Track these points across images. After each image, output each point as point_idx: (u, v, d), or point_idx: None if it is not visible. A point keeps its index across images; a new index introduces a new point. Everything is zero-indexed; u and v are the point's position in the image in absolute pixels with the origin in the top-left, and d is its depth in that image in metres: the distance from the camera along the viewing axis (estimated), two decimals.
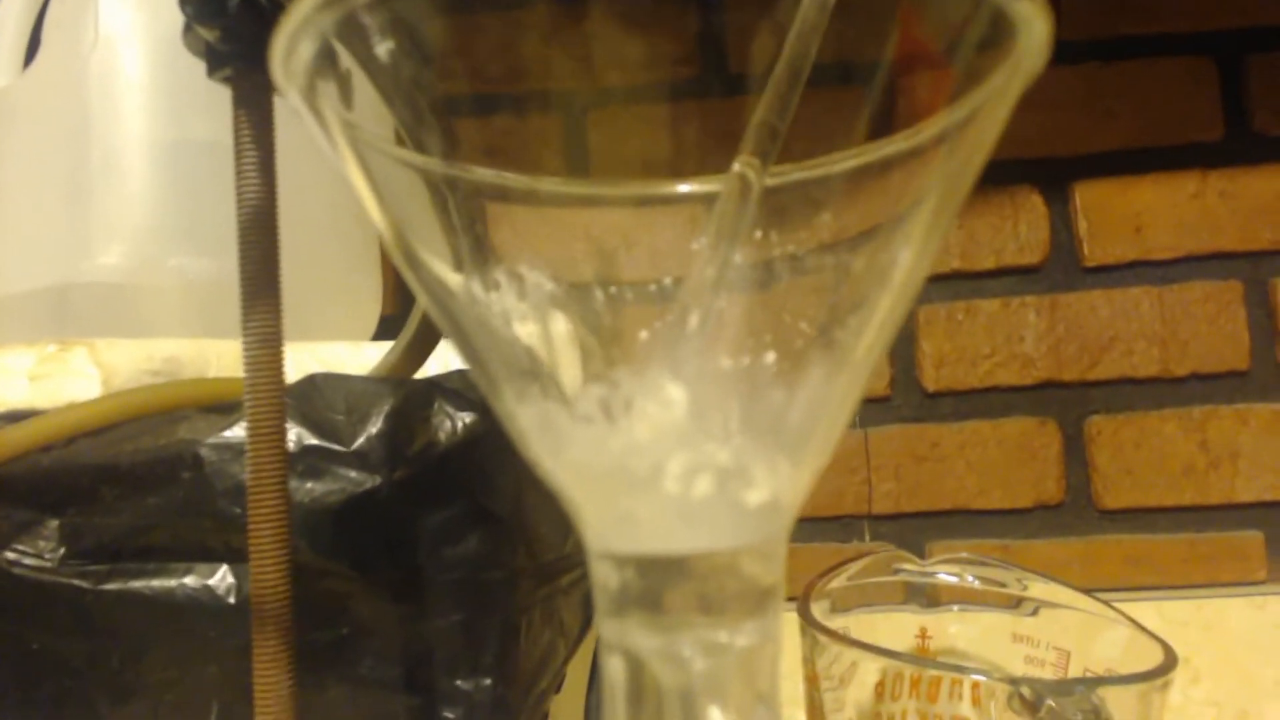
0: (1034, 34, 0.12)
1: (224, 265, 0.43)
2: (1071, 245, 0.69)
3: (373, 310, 0.54)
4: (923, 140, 0.15)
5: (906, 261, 0.14)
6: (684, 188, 0.19)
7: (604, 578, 0.14)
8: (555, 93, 0.21)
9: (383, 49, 0.14)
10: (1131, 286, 0.68)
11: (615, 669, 0.14)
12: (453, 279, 0.15)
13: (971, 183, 0.14)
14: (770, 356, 0.15)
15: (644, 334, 0.17)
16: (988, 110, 0.14)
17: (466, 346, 0.15)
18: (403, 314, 0.36)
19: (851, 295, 0.14)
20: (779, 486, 0.13)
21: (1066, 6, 0.69)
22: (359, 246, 0.53)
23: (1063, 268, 0.69)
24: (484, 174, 0.18)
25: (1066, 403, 0.68)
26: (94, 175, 0.43)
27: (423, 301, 0.16)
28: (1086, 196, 0.69)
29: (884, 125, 0.16)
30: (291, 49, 0.13)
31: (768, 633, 0.14)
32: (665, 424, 0.13)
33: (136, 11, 0.45)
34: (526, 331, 0.16)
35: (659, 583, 0.13)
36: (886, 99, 0.16)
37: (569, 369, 0.15)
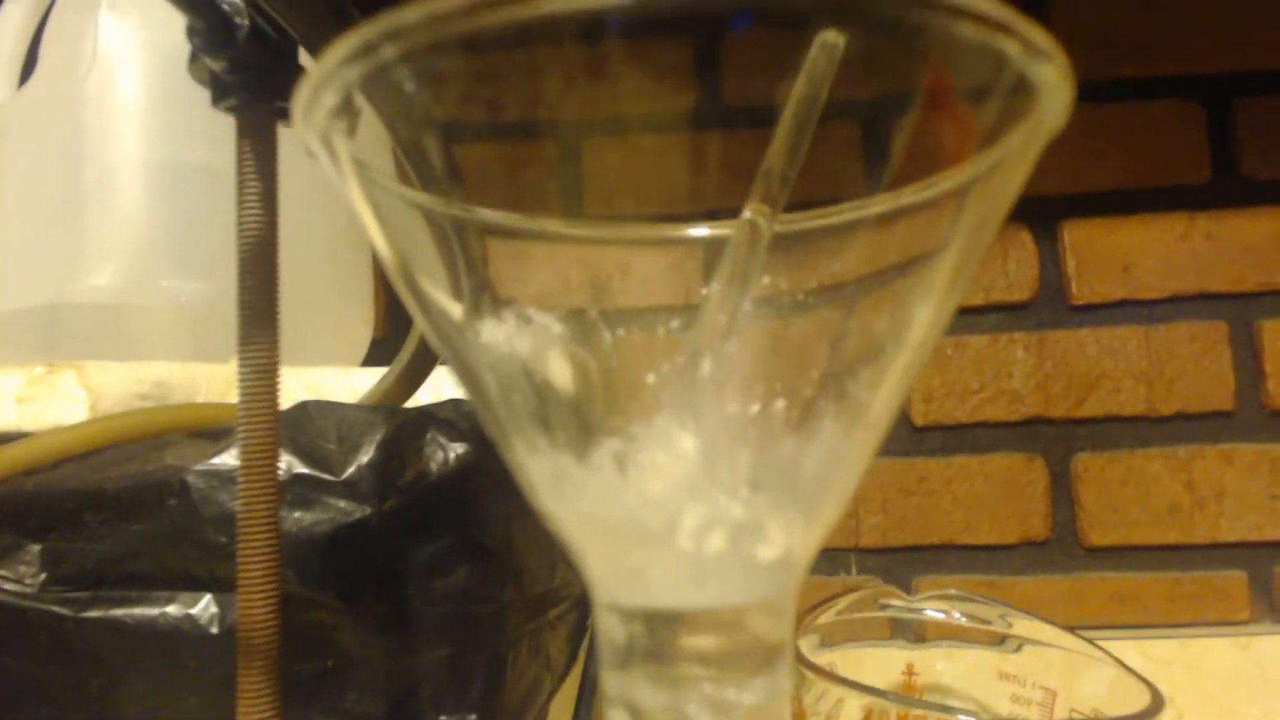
0: (1057, 98, 0.12)
1: (216, 288, 0.43)
2: (1060, 283, 0.69)
3: (364, 335, 0.53)
4: (939, 192, 0.15)
5: (923, 318, 0.14)
6: (694, 232, 0.19)
7: (610, 630, 0.13)
8: (554, 121, 0.21)
9: (405, 92, 0.13)
10: (1119, 325, 0.69)
11: None
12: (459, 317, 0.15)
13: (990, 239, 0.14)
14: (782, 407, 0.14)
15: (651, 377, 0.16)
16: (1006, 167, 0.14)
17: (478, 392, 0.14)
18: (393, 338, 0.36)
19: (865, 349, 0.14)
20: (792, 543, 0.13)
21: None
22: (350, 271, 0.52)
23: (1051, 305, 0.69)
24: (490, 215, 0.18)
25: (1053, 439, 0.68)
26: (87, 195, 0.43)
27: (434, 343, 0.15)
28: (1075, 235, 0.69)
29: (902, 178, 0.16)
30: (315, 99, 0.13)
31: (775, 690, 0.13)
32: (678, 477, 0.12)
33: (136, 32, 0.45)
34: (534, 372, 0.16)
35: (666, 637, 0.13)
36: (905, 151, 0.16)
37: (581, 421, 0.15)
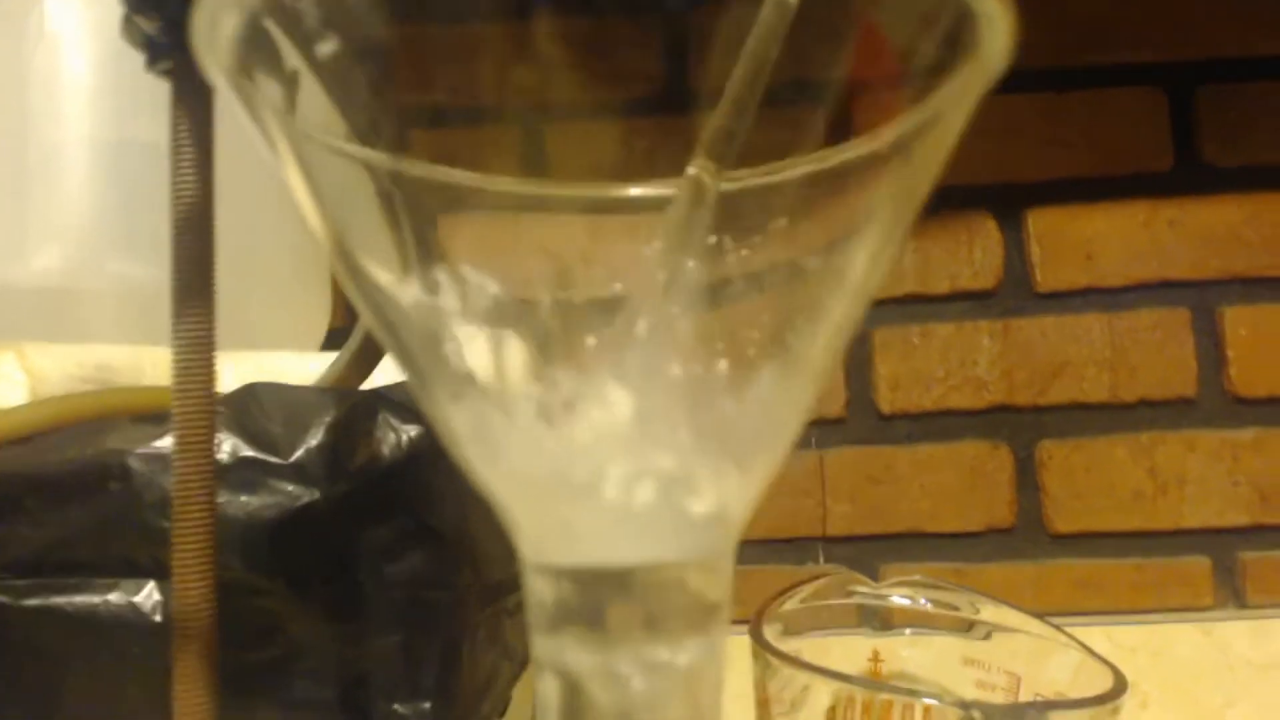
0: (998, 32, 0.12)
1: (164, 271, 0.41)
2: (1024, 271, 0.70)
3: (320, 321, 0.52)
4: (881, 145, 0.15)
5: (861, 268, 0.13)
6: (637, 191, 0.18)
7: (539, 591, 0.13)
8: (511, 106, 0.21)
9: (324, 44, 0.13)
10: (1082, 313, 0.69)
11: (549, 689, 0.13)
12: (389, 278, 0.15)
13: (929, 189, 0.14)
14: (723, 364, 0.14)
15: (591, 340, 0.16)
16: (947, 114, 0.13)
17: (402, 350, 0.14)
18: (352, 326, 0.35)
19: (804, 301, 0.14)
20: (726, 496, 0.13)
21: (1023, 36, 0.70)
22: (308, 257, 0.51)
23: (1015, 293, 0.69)
24: (432, 171, 0.17)
25: (1018, 427, 0.68)
26: (32, 175, 0.42)
27: (357, 304, 0.15)
28: (1040, 223, 0.70)
29: (841, 134, 0.16)
30: (214, 22, 0.12)
31: (712, 651, 0.13)
32: (606, 428, 0.12)
33: (83, 10, 0.44)
34: (468, 335, 0.15)
35: (598, 597, 0.13)
36: (844, 107, 0.16)
37: (510, 374, 0.14)
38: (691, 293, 0.16)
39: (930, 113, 0.13)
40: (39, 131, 0.42)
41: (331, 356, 0.38)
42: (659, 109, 0.21)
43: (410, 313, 0.14)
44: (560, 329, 0.17)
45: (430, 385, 0.13)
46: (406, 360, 0.14)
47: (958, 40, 0.12)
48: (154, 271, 0.42)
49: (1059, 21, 0.70)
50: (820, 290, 0.14)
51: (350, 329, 0.37)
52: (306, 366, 0.40)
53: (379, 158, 0.17)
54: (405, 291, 0.14)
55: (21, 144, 0.42)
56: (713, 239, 0.17)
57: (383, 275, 0.15)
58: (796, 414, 0.14)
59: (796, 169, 0.16)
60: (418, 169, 0.17)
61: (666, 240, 0.17)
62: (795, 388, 0.13)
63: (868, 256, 0.14)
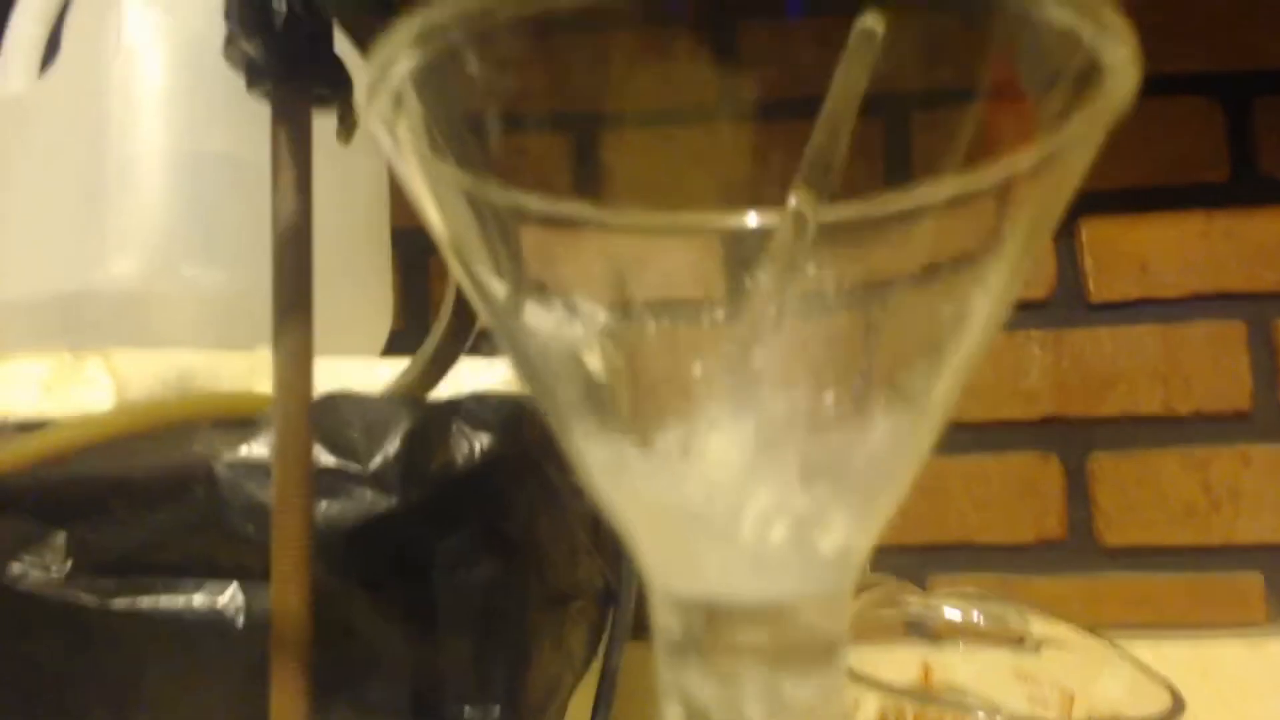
0: (1125, 80, 0.12)
1: (238, 277, 0.42)
2: (1078, 281, 0.69)
3: (382, 326, 0.53)
4: (991, 183, 0.15)
5: (982, 309, 0.14)
6: (749, 222, 0.19)
7: (666, 622, 0.13)
8: (569, 113, 0.21)
9: (468, 71, 0.13)
10: (1136, 324, 0.68)
11: (673, 716, 0.13)
12: (504, 302, 0.15)
13: (1051, 229, 0.14)
14: (829, 397, 0.14)
15: (698, 369, 0.16)
16: (1068, 155, 0.14)
17: (532, 377, 0.14)
18: (411, 330, 0.36)
19: (923, 340, 0.14)
20: (852, 534, 0.13)
21: None
22: (369, 261, 0.52)
23: (1068, 303, 0.69)
24: (541, 203, 0.18)
25: (1070, 438, 0.68)
26: (110, 183, 0.43)
27: (493, 331, 0.15)
28: (1093, 233, 0.69)
29: (965, 160, 0.16)
30: (379, 83, 0.12)
31: (832, 686, 0.13)
32: (742, 467, 0.12)
33: (161, 20, 0.45)
34: (586, 362, 0.16)
35: (723, 629, 0.13)
36: (969, 136, 0.16)
37: (643, 409, 0.15)
38: (802, 325, 0.16)
39: (1051, 152, 0.14)
40: (117, 141, 0.43)
41: (396, 361, 0.39)
42: (706, 117, 0.21)
43: (533, 341, 0.14)
44: (664, 361, 0.17)
45: (564, 419, 0.14)
46: (541, 393, 0.14)
47: (1084, 86, 0.13)
48: (228, 278, 0.43)
49: None
50: (940, 330, 0.14)
51: (410, 332, 0.38)
52: (374, 372, 0.41)
53: (492, 191, 0.18)
54: (531, 319, 0.15)
55: (100, 153, 0.43)
56: (814, 270, 0.17)
57: (508, 300, 0.15)
58: (916, 454, 0.14)
59: (897, 204, 0.17)
60: (521, 199, 0.18)
61: (769, 274, 0.17)
62: (914, 428, 0.14)
63: (987, 297, 0.14)
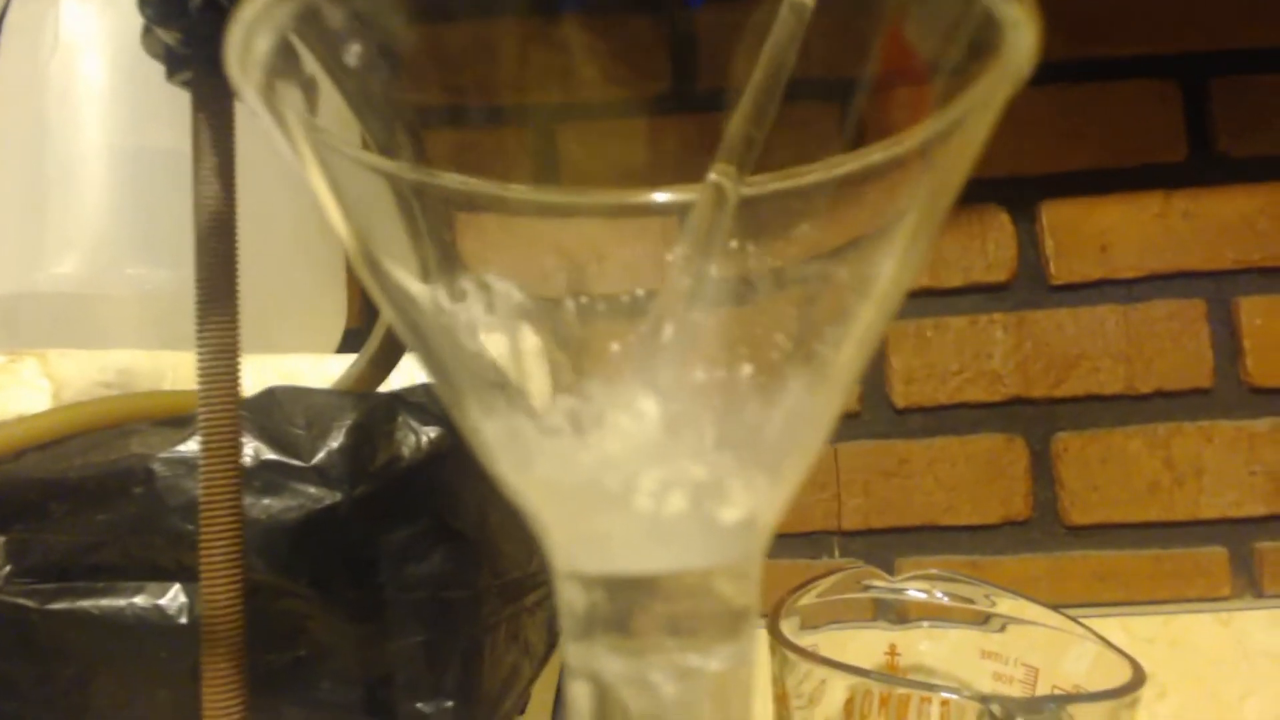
0: (1023, 38, 0.12)
1: (182, 276, 0.42)
2: (1038, 263, 0.69)
3: (337, 323, 0.53)
4: (905, 150, 0.15)
5: (888, 274, 0.13)
6: (658, 197, 0.19)
7: (571, 599, 0.13)
8: (526, 106, 0.21)
9: (346, 51, 0.13)
10: (1097, 305, 0.69)
11: (580, 695, 0.13)
12: (417, 288, 0.15)
13: (955, 194, 0.14)
14: (747, 369, 0.14)
15: (615, 346, 0.16)
16: (972, 118, 0.13)
17: (430, 358, 0.14)
18: (368, 327, 0.36)
19: (831, 307, 0.14)
20: (756, 503, 0.13)
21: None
22: (324, 258, 0.52)
23: (1030, 286, 0.69)
24: (452, 180, 0.18)
25: (1033, 419, 0.68)
26: (50, 182, 0.42)
27: (386, 312, 0.15)
28: (1053, 216, 0.69)
29: (867, 136, 0.16)
30: (248, 42, 0.12)
31: (741, 657, 0.13)
32: (637, 438, 0.12)
33: (98, 17, 0.44)
34: (494, 343, 0.15)
35: (629, 604, 0.13)
36: (870, 109, 0.16)
37: (538, 382, 0.14)
38: (715, 298, 0.16)
39: (954, 118, 0.13)
40: (56, 140, 0.42)
41: (349, 358, 0.38)
42: (676, 107, 0.21)
43: (438, 321, 0.14)
44: (584, 334, 0.17)
45: (461, 395, 0.14)
46: (437, 369, 0.14)
47: (983, 45, 0.12)
48: (173, 276, 0.43)
49: (1071, 14, 0.70)
50: (847, 297, 0.14)
51: (367, 330, 0.37)
52: (324, 368, 0.41)
53: (397, 167, 0.18)
54: (432, 299, 0.14)
55: (39, 152, 0.42)
56: (735, 244, 0.17)
57: (411, 283, 0.15)
58: (824, 421, 0.14)
59: (818, 174, 0.16)
60: (435, 178, 0.17)
61: (688, 246, 0.17)
62: (823, 394, 0.13)
63: (894, 262, 0.14)
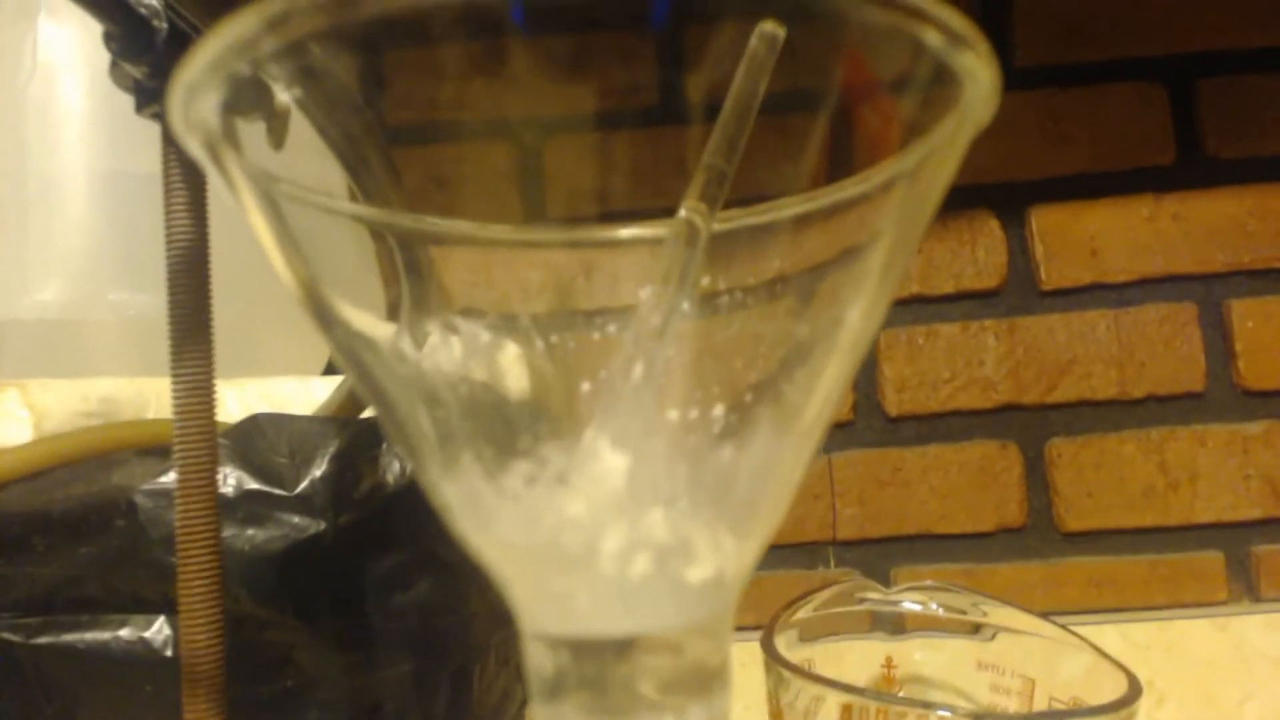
0: (980, 85, 0.12)
1: (165, 300, 0.41)
2: (1029, 269, 0.69)
3: (323, 345, 0.52)
4: (871, 186, 0.15)
5: (855, 316, 0.13)
6: (629, 233, 0.18)
7: (538, 660, 0.13)
8: (510, 122, 0.21)
9: (295, 93, 0.13)
10: (1088, 309, 0.68)
11: None
12: (379, 334, 0.15)
13: (922, 230, 0.14)
14: (718, 411, 0.14)
15: (586, 386, 0.16)
16: (937, 157, 0.13)
17: (387, 412, 0.14)
18: None
19: (799, 349, 0.14)
20: (723, 561, 0.12)
21: (1021, 34, 0.70)
22: None
23: (1020, 291, 0.69)
24: (424, 222, 0.17)
25: (1027, 426, 0.68)
26: (30, 208, 0.42)
27: (340, 363, 0.15)
28: (1043, 221, 0.69)
29: (838, 169, 0.16)
30: (192, 96, 0.12)
31: (715, 716, 0.13)
32: (599, 496, 0.12)
33: (77, 41, 0.44)
34: (462, 384, 0.15)
35: (597, 666, 0.12)
36: (837, 142, 0.15)
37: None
38: (686, 336, 0.16)
39: (917, 158, 0.13)
40: (36, 164, 0.42)
41: (335, 380, 0.38)
42: (653, 122, 0.20)
43: (398, 371, 0.14)
44: (556, 373, 0.17)
45: (418, 453, 0.13)
46: (395, 428, 0.14)
47: (941, 91, 0.12)
48: (155, 301, 0.42)
49: (1057, 18, 0.70)
50: (813, 338, 0.14)
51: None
52: (309, 391, 0.40)
53: (370, 211, 0.17)
54: (393, 347, 0.14)
55: (19, 177, 0.42)
56: (706, 281, 0.17)
57: (372, 330, 0.14)
58: (793, 471, 0.13)
59: (786, 210, 0.16)
60: (406, 219, 0.17)
61: (660, 283, 0.17)
62: (792, 445, 0.13)
63: (864, 301, 0.14)
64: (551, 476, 0.12)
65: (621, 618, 0.12)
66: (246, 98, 0.16)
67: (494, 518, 0.12)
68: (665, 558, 0.12)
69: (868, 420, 0.69)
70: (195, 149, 0.13)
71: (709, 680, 0.13)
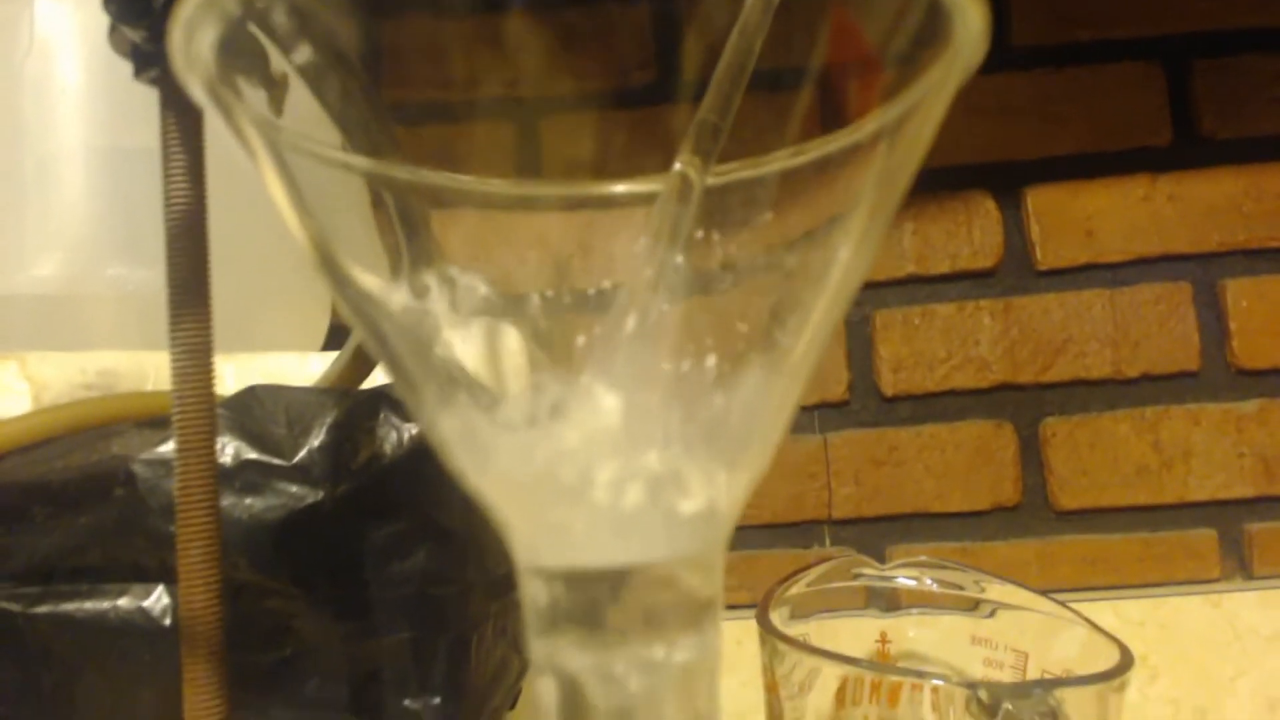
0: (970, 23, 0.12)
1: (163, 274, 0.41)
2: (1024, 249, 0.69)
3: (321, 319, 0.52)
4: (862, 136, 0.15)
5: (845, 260, 0.13)
6: (623, 188, 0.19)
7: (533, 594, 0.13)
8: (507, 99, 0.21)
9: (298, 50, 0.13)
10: (1083, 289, 0.69)
11: (546, 690, 0.13)
12: (379, 286, 0.15)
13: (910, 180, 0.14)
14: (711, 360, 0.14)
15: (581, 339, 0.16)
16: (927, 105, 0.13)
17: (388, 354, 0.14)
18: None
19: (791, 295, 0.14)
20: (715, 494, 0.13)
21: (1017, 14, 0.70)
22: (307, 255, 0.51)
23: (1016, 271, 0.69)
24: (417, 173, 0.17)
25: (1022, 405, 0.68)
26: (28, 183, 0.42)
27: (343, 310, 0.15)
28: (1038, 201, 0.69)
29: (826, 123, 0.16)
30: (189, 39, 0.12)
31: (706, 648, 0.13)
32: (594, 430, 0.12)
33: (74, 15, 0.44)
34: (456, 337, 0.15)
35: (591, 597, 0.13)
36: (826, 97, 0.16)
37: (498, 376, 0.14)
38: (679, 288, 0.16)
39: (909, 104, 0.13)
40: (33, 139, 0.42)
41: (332, 355, 0.38)
42: (648, 99, 0.20)
43: (398, 317, 0.14)
44: (551, 327, 0.17)
45: (418, 390, 0.13)
46: (394, 365, 0.14)
47: (932, 31, 0.12)
48: (154, 276, 0.42)
49: None
50: (805, 284, 0.14)
51: (350, 327, 0.37)
52: (308, 366, 0.41)
53: (364, 162, 0.17)
54: (393, 296, 0.14)
55: (16, 152, 0.42)
56: (700, 234, 0.17)
57: (369, 280, 0.15)
58: (783, 410, 0.14)
59: (778, 162, 0.16)
60: (403, 172, 0.17)
61: (653, 236, 0.17)
62: (782, 384, 0.13)
63: (851, 248, 0.14)
64: (547, 408, 0.12)
65: (615, 548, 0.13)
66: (244, 51, 0.16)
67: (491, 451, 0.13)
68: (658, 489, 0.12)
69: (863, 400, 0.69)
70: (197, 90, 0.13)
71: (701, 611, 0.13)
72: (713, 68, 0.19)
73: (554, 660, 0.13)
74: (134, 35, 0.22)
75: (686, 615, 0.13)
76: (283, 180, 0.14)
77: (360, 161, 0.16)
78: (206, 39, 0.12)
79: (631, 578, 0.13)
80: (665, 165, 0.19)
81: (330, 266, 0.14)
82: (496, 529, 0.14)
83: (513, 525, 0.13)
